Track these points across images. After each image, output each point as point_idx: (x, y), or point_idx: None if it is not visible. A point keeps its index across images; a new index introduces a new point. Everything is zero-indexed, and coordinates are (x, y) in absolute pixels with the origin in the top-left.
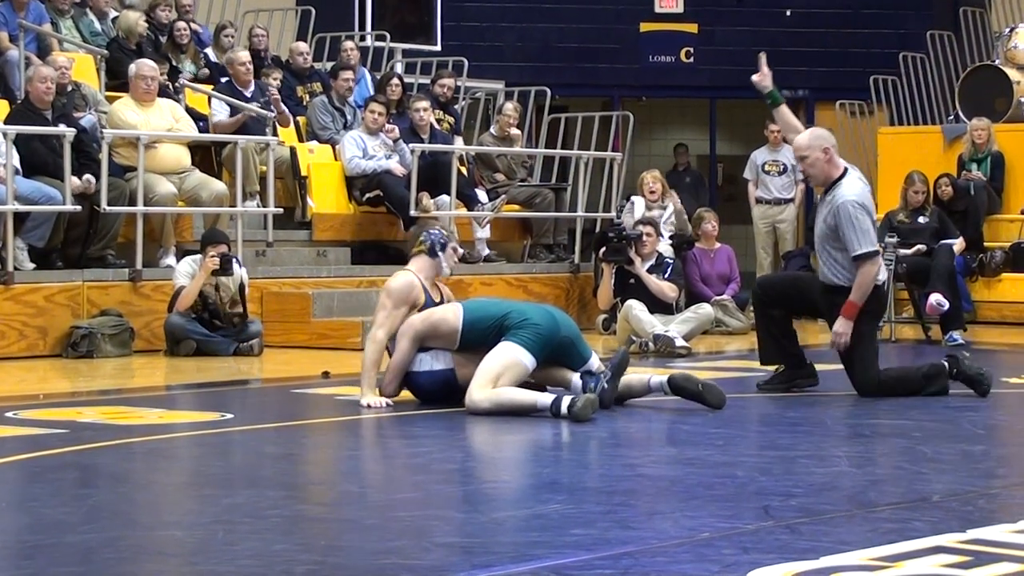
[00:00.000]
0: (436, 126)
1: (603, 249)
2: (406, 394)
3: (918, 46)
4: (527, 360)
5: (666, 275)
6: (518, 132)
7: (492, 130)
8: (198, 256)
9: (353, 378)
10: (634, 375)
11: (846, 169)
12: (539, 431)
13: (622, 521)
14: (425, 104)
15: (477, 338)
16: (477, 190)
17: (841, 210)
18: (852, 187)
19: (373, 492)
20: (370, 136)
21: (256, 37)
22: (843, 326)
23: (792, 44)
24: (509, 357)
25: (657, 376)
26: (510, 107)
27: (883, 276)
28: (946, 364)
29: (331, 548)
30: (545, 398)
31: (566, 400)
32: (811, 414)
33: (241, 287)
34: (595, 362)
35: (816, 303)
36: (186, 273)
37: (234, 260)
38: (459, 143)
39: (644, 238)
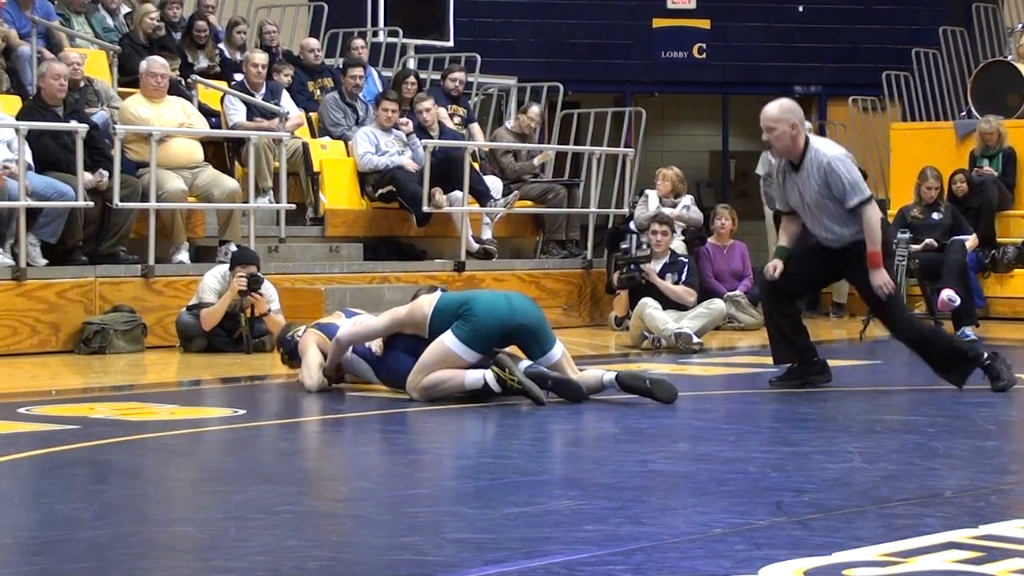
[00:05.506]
0: (447, 123)
1: (617, 273)
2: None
3: (931, 42)
4: (462, 351)
5: (682, 277)
6: (549, 156)
7: (508, 124)
8: (225, 269)
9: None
10: (589, 372)
11: (808, 138)
12: (549, 427)
13: (634, 517)
14: (428, 104)
15: (442, 325)
16: (488, 177)
17: (829, 169)
18: (827, 146)
19: (385, 488)
20: (383, 132)
21: (267, 34)
22: (879, 277)
23: (804, 40)
24: (442, 349)
25: (609, 373)
26: (535, 111)
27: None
28: (984, 354)
29: (343, 544)
30: (474, 375)
31: (490, 374)
32: (823, 410)
33: (262, 313)
34: (556, 352)
35: (827, 271)
36: (213, 289)
37: (262, 279)
38: (477, 128)
39: (656, 242)
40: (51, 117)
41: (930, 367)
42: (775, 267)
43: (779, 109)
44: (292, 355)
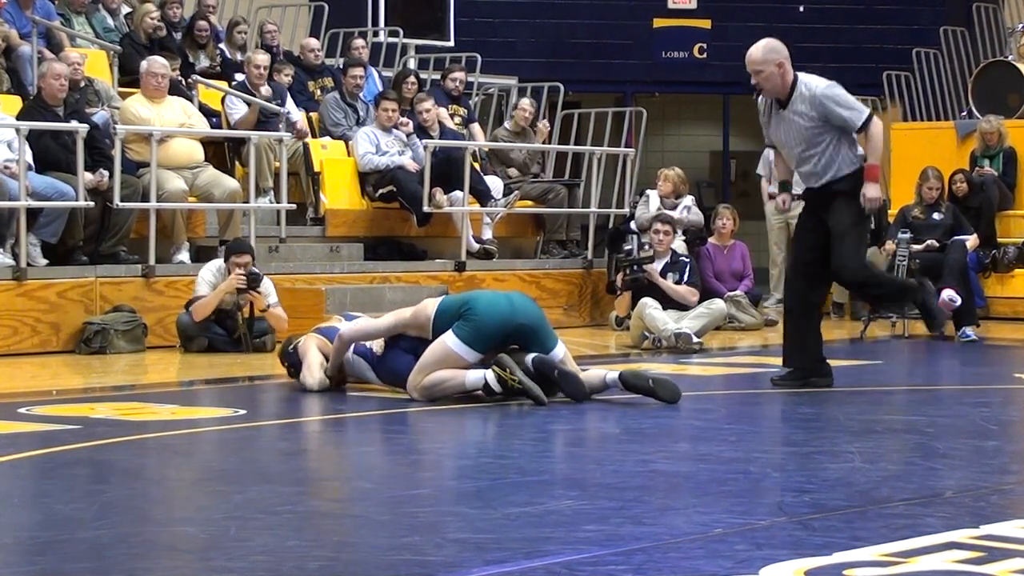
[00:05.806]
0: (447, 123)
1: (620, 274)
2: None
3: (931, 42)
4: (463, 351)
5: (684, 277)
6: (545, 128)
7: (507, 124)
8: (220, 263)
9: None
10: (592, 371)
11: (796, 75)
12: (550, 427)
13: (634, 517)
14: (428, 104)
15: (444, 327)
16: (488, 177)
17: (822, 100)
18: (815, 80)
19: (385, 488)
20: (383, 132)
21: (268, 34)
22: (873, 189)
23: (805, 40)
24: (443, 349)
25: (612, 373)
26: (526, 103)
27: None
28: (919, 285)
29: (343, 544)
30: (475, 375)
31: (491, 374)
32: (824, 410)
33: (261, 309)
34: (558, 352)
35: (827, 229)
36: (208, 282)
37: (262, 276)
38: (477, 128)
39: (658, 242)
40: (51, 117)
41: (878, 303)
42: (784, 200)
43: (763, 50)
44: (296, 366)
